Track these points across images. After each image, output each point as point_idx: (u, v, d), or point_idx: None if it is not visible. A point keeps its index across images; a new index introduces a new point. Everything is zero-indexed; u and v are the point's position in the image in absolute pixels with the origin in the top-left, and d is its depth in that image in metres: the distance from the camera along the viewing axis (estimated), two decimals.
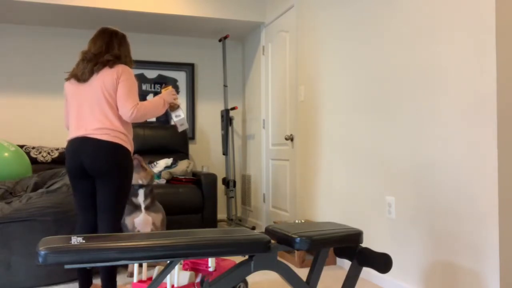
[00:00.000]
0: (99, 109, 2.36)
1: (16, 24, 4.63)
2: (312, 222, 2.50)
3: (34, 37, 4.69)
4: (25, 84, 4.65)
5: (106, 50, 2.44)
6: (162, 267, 2.69)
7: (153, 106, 2.45)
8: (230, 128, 4.90)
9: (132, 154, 2.47)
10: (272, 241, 1.88)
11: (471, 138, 2.12)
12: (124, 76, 2.37)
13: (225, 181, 4.87)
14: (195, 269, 2.62)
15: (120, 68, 2.39)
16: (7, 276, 2.69)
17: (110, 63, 2.40)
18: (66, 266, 1.51)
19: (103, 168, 2.32)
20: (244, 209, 5.27)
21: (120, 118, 2.40)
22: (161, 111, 2.51)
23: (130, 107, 2.34)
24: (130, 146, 2.43)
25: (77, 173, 2.40)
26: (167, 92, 2.58)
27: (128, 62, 2.53)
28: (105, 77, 2.37)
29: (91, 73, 2.39)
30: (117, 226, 2.40)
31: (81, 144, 2.35)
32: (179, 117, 2.60)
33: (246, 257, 1.86)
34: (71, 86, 2.46)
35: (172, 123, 2.69)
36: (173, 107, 2.62)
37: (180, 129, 2.65)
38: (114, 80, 2.36)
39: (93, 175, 2.37)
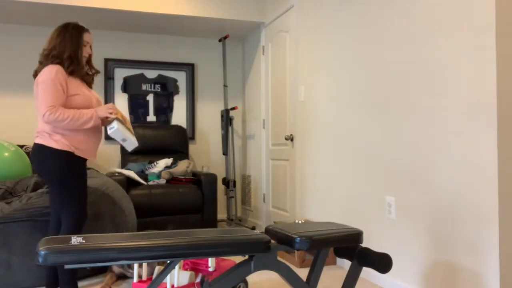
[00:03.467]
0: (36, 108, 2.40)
1: (16, 24, 4.63)
2: (312, 222, 2.50)
3: (34, 37, 4.69)
4: (25, 84, 4.65)
5: (45, 51, 2.43)
6: (162, 267, 2.69)
7: (74, 114, 2.34)
8: (230, 128, 4.90)
9: (70, 153, 2.38)
10: (272, 241, 1.88)
11: (471, 138, 2.12)
12: (40, 78, 2.34)
13: (225, 181, 4.87)
14: (195, 269, 2.62)
15: (41, 72, 2.37)
16: (7, 276, 2.69)
17: (39, 69, 2.41)
18: (66, 266, 1.51)
19: (36, 170, 2.39)
20: (244, 209, 5.27)
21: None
22: (86, 123, 2.37)
23: (43, 109, 2.30)
24: (58, 144, 2.35)
25: None
26: (102, 106, 2.46)
27: (63, 57, 2.40)
28: (38, 77, 2.37)
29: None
30: (71, 228, 2.38)
31: None
32: (112, 129, 2.40)
33: (246, 257, 1.86)
34: None
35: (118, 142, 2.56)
36: (110, 121, 2.44)
37: (129, 146, 2.50)
38: (35, 87, 2.38)
39: None
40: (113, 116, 2.42)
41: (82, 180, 2.42)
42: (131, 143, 2.49)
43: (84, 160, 2.46)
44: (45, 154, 2.34)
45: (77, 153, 2.40)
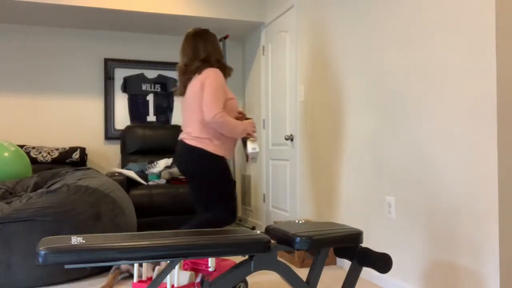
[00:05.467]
0: (191, 117, 2.55)
1: (16, 24, 4.63)
2: (312, 222, 2.50)
3: (34, 37, 4.69)
4: (25, 84, 4.66)
5: (194, 56, 2.56)
6: (162, 267, 2.69)
7: (234, 123, 2.53)
8: None
9: (223, 158, 2.59)
10: (272, 241, 1.88)
11: (471, 138, 2.12)
12: (208, 80, 2.47)
13: None
14: (195, 269, 2.62)
15: (205, 73, 2.50)
16: (7, 276, 2.69)
17: (199, 70, 2.53)
18: (66, 266, 1.51)
19: (186, 169, 2.56)
20: (244, 209, 5.27)
21: (205, 124, 2.53)
22: (238, 134, 2.58)
23: (214, 111, 2.43)
24: (216, 149, 2.54)
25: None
26: (249, 122, 2.65)
27: (215, 62, 2.58)
28: (193, 87, 2.53)
29: (185, 87, 2.60)
30: (208, 223, 2.55)
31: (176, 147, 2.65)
32: (255, 150, 2.66)
33: (246, 257, 1.86)
34: (181, 101, 2.69)
35: (247, 153, 2.76)
36: (252, 140, 2.69)
37: (251, 162, 2.75)
38: (198, 88, 2.50)
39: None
40: (255, 135, 2.70)
41: (232, 182, 2.62)
42: (256, 160, 2.75)
43: None
44: (204, 158, 2.50)
45: (227, 158, 2.63)
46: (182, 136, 2.60)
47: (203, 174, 2.53)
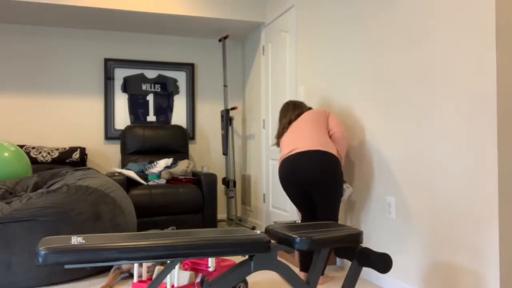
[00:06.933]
0: (316, 132, 2.83)
1: (16, 24, 4.63)
2: (312, 222, 2.50)
3: (34, 37, 4.69)
4: (25, 84, 4.66)
5: (305, 107, 3.09)
6: (162, 267, 2.69)
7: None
8: (230, 128, 4.89)
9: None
10: (272, 241, 1.88)
11: (471, 138, 2.12)
12: (330, 112, 2.99)
13: (225, 181, 4.87)
14: (195, 269, 2.62)
15: (317, 111, 2.99)
16: (7, 276, 2.69)
17: (311, 108, 3.08)
18: (66, 266, 1.51)
19: (330, 176, 2.72)
20: (244, 209, 5.27)
21: (328, 135, 2.89)
22: (344, 154, 2.96)
23: (343, 127, 2.92)
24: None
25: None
26: None
27: None
28: (314, 114, 2.94)
29: (299, 115, 2.99)
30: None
31: (308, 157, 2.77)
32: (349, 188, 2.97)
33: (246, 257, 1.86)
34: (285, 135, 2.97)
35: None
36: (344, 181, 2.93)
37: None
38: (323, 114, 2.94)
39: (315, 184, 2.77)
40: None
41: None
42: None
43: None
44: (338, 164, 2.75)
45: None
46: (313, 147, 2.76)
47: (336, 179, 2.73)
